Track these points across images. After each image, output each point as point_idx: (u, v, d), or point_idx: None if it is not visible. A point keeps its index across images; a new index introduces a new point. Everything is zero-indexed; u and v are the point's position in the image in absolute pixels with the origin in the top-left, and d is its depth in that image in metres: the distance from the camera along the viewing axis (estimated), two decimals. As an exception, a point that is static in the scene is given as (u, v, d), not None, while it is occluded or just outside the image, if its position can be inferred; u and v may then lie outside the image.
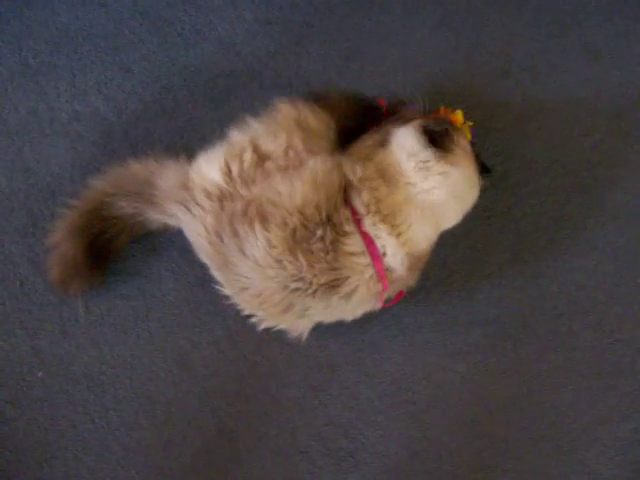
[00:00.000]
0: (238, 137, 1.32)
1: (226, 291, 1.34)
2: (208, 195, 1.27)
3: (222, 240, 1.24)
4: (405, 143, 1.29)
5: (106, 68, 1.69)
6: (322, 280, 1.20)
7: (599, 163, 1.63)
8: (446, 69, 1.70)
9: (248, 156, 1.26)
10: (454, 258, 1.53)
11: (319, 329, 1.39)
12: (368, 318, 1.38)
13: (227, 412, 1.46)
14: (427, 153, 1.27)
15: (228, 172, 1.27)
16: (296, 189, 1.20)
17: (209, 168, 1.29)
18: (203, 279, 1.46)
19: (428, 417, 1.47)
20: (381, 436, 1.46)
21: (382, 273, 1.24)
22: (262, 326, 1.36)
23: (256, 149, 1.28)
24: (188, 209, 1.30)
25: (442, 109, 1.50)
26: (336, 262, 1.20)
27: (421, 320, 1.51)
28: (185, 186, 1.32)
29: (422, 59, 1.71)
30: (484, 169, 1.41)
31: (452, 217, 1.35)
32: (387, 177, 1.27)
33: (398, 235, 1.24)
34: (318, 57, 1.70)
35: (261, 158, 1.27)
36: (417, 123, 1.33)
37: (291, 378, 1.49)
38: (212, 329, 1.50)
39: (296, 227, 1.19)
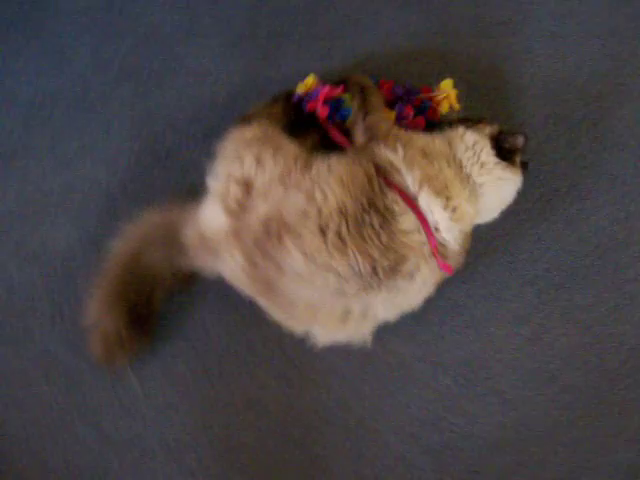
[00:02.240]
0: (215, 179, 1.32)
1: (277, 317, 1.31)
2: (226, 236, 1.26)
3: (256, 266, 1.23)
4: (471, 145, 1.32)
5: (84, 130, 1.62)
6: (384, 262, 1.19)
7: (597, 96, 1.64)
8: (423, 44, 1.68)
9: (233, 188, 1.27)
10: (487, 228, 1.53)
11: (378, 335, 1.35)
12: (422, 310, 1.35)
13: (312, 439, 1.44)
14: (492, 159, 1.31)
15: (229, 211, 1.26)
16: (326, 194, 1.21)
17: (211, 219, 1.29)
18: (249, 315, 1.42)
19: (508, 387, 1.47)
20: (470, 419, 1.45)
21: (436, 249, 1.24)
22: (322, 343, 1.32)
23: (235, 180, 1.28)
24: (214, 253, 1.29)
25: (424, 88, 1.52)
26: (392, 242, 1.20)
27: (474, 296, 1.51)
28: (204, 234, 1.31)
29: (396, 40, 1.68)
30: (522, 165, 1.40)
31: (489, 214, 1.38)
32: (436, 158, 1.27)
33: (453, 209, 1.24)
34: (294, 64, 1.66)
35: (246, 184, 1.27)
36: (488, 132, 1.35)
37: (365, 387, 1.47)
38: (272, 363, 1.47)
39: (339, 226, 1.18)
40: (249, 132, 1.38)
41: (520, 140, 1.33)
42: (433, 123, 1.52)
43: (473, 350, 1.48)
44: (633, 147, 1.60)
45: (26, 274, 1.51)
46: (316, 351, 1.34)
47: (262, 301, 1.31)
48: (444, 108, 1.52)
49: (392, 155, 1.26)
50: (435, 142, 1.31)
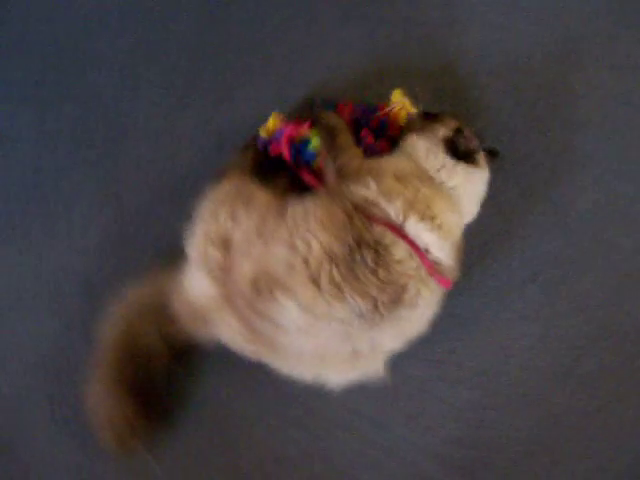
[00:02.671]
0: (193, 242, 1.28)
1: (284, 370, 1.27)
2: (215, 304, 1.22)
3: (254, 328, 1.19)
4: (424, 154, 1.30)
5: (44, 214, 1.55)
6: (385, 298, 1.15)
7: (555, 79, 1.62)
8: (375, 57, 1.64)
9: (212, 252, 1.23)
10: (475, 236, 1.50)
11: (391, 364, 1.31)
12: (429, 331, 1.31)
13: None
14: (449, 161, 1.29)
15: (213, 278, 1.22)
16: (309, 242, 1.16)
17: (197, 289, 1.25)
18: (258, 371, 1.35)
19: (529, 389, 1.45)
20: (497, 432, 1.43)
21: (431, 269, 1.21)
22: (335, 386, 1.28)
23: (212, 241, 1.24)
24: (207, 321, 1.26)
25: (380, 105, 1.49)
26: (390, 275, 1.16)
27: (476, 305, 1.49)
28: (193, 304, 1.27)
29: (348, 58, 1.64)
30: (491, 153, 1.40)
31: (471, 212, 1.35)
32: (408, 179, 1.24)
33: (439, 227, 1.21)
34: (252, 103, 1.62)
35: (223, 243, 1.23)
36: (442, 134, 1.33)
37: (387, 419, 1.44)
38: (291, 415, 1.44)
39: (331, 273, 1.14)
40: (221, 189, 1.34)
41: (474, 143, 1.32)
42: (393, 138, 1.48)
43: (487, 359, 1.46)
44: (599, 123, 1.60)
45: (19, 378, 1.44)
46: (332, 394, 1.30)
47: (269, 361, 1.27)
48: (402, 119, 1.49)
49: (366, 191, 1.22)
50: (401, 161, 1.29)
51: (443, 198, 1.26)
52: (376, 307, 1.15)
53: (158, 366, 1.34)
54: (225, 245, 1.23)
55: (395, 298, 1.16)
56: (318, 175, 1.41)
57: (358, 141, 1.44)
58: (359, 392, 1.36)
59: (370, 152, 1.40)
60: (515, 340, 1.47)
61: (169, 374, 1.37)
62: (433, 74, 1.62)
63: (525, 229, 1.53)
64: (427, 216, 1.20)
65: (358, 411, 1.44)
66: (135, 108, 1.61)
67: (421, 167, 1.28)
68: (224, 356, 1.35)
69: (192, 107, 1.61)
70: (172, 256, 1.33)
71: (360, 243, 1.16)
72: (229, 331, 1.23)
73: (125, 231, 1.53)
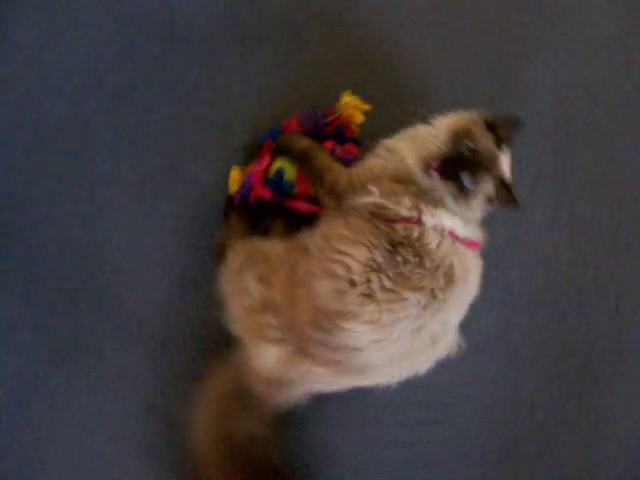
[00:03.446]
0: (235, 322, 1.30)
1: (381, 382, 1.30)
2: (291, 363, 1.23)
3: (338, 363, 1.21)
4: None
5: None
6: (439, 283, 1.19)
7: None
8: (296, 80, 1.68)
9: (260, 319, 1.23)
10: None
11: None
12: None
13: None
14: None
15: (275, 342, 1.22)
16: (346, 262, 1.18)
17: (267, 361, 1.24)
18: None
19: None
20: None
21: (465, 241, 1.26)
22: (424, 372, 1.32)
23: (254, 310, 1.24)
24: (290, 383, 1.27)
25: (328, 111, 1.53)
26: (434, 262, 1.20)
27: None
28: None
29: (274, 88, 1.68)
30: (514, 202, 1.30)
31: None
32: (403, 176, 1.27)
33: (457, 208, 1.26)
34: (205, 169, 1.62)
35: (265, 306, 1.23)
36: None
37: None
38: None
39: (381, 282, 1.17)
40: (232, 262, 1.34)
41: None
42: (356, 140, 1.54)
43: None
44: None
45: None
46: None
47: (360, 383, 1.29)
48: (358, 119, 1.53)
49: (370, 198, 1.25)
50: (388, 163, 1.30)
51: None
52: (434, 295, 1.19)
53: (265, 446, 1.34)
54: (268, 307, 1.23)
55: (448, 279, 1.21)
56: (308, 200, 1.43)
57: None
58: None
59: (344, 162, 1.42)
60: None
61: (277, 446, 1.37)
62: (375, 74, 1.69)
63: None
64: (440, 205, 1.24)
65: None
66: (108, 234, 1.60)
67: (408, 168, 1.29)
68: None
69: (158, 199, 1.61)
70: (221, 345, 1.37)
71: (394, 244, 1.20)
72: (316, 379, 1.24)
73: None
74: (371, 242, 1.20)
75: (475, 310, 1.31)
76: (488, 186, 1.27)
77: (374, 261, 1.18)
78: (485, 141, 1.28)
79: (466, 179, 1.24)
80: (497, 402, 1.56)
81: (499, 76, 1.71)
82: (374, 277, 1.17)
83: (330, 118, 1.52)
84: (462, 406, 1.55)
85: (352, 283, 1.17)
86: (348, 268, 1.18)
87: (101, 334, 1.54)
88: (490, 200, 1.29)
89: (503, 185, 1.28)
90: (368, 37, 1.70)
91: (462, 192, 1.25)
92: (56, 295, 1.56)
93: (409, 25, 1.72)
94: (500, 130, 1.30)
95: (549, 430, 1.55)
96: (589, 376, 1.58)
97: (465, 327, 1.31)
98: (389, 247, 1.20)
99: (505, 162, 1.32)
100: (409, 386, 1.30)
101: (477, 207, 1.29)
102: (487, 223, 1.33)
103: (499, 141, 1.30)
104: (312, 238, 1.27)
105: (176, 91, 1.67)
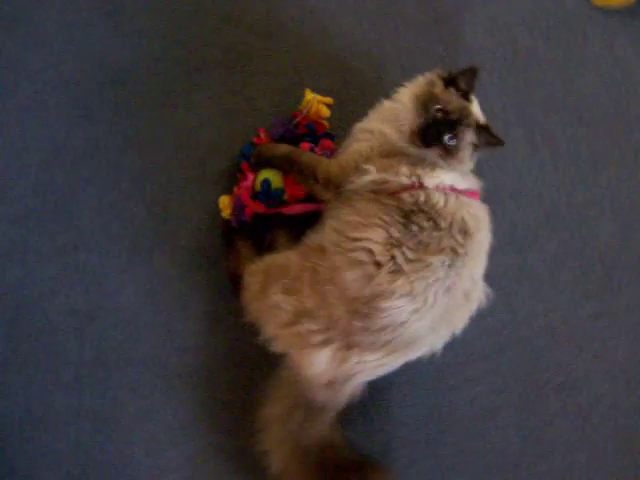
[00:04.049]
0: (277, 342, 1.30)
1: (426, 351, 1.31)
2: (342, 359, 1.24)
3: (387, 343, 1.22)
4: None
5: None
6: (457, 239, 1.22)
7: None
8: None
9: (299, 328, 1.24)
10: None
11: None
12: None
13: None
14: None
15: (323, 344, 1.23)
16: (365, 246, 1.20)
17: (320, 363, 1.25)
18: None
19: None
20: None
21: (468, 192, 1.31)
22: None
23: (290, 321, 1.25)
24: (347, 377, 1.27)
25: (295, 114, 1.54)
26: (446, 220, 1.23)
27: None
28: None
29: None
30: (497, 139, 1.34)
31: None
32: (392, 151, 1.30)
33: (449, 163, 1.29)
34: (202, 204, 1.62)
35: (300, 314, 1.24)
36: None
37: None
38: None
39: (405, 255, 1.19)
40: (252, 287, 1.34)
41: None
42: (329, 134, 1.57)
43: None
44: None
45: None
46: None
47: (410, 357, 1.30)
48: (325, 113, 1.56)
49: (369, 177, 1.28)
50: (373, 142, 1.33)
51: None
52: (456, 252, 1.22)
53: (341, 447, 1.36)
54: (303, 315, 1.24)
55: (464, 233, 1.24)
56: (301, 201, 1.45)
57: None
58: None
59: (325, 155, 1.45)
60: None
61: (351, 443, 1.40)
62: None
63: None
64: (435, 166, 1.28)
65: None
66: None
67: (392, 140, 1.32)
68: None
69: (155, 247, 1.60)
70: (267, 367, 1.38)
71: (405, 214, 1.22)
72: (369, 366, 1.25)
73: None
74: (384, 220, 1.22)
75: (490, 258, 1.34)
76: (470, 136, 1.31)
77: (392, 237, 1.21)
78: (450, 98, 1.32)
79: (448, 140, 1.28)
80: (535, 335, 1.62)
81: (440, 35, 1.76)
82: (397, 252, 1.20)
83: (298, 119, 1.55)
84: (507, 351, 1.60)
85: (378, 264, 1.19)
86: (370, 252, 1.20)
87: (149, 395, 1.53)
88: (476, 147, 1.33)
89: (483, 129, 1.32)
90: (307, 37, 1.73)
91: (449, 152, 1.29)
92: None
93: (340, 14, 1.75)
94: (460, 82, 1.34)
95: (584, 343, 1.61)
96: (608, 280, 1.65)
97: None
98: (402, 220, 1.22)
99: (476, 108, 1.37)
100: (448, 351, 1.32)
101: (467, 158, 1.33)
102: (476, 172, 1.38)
103: (463, 92, 1.34)
104: (325, 236, 1.28)
105: (138, 141, 1.66)
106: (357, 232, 1.22)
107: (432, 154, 1.29)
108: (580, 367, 1.60)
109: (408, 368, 1.33)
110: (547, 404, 1.58)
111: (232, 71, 1.70)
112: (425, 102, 1.31)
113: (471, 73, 1.36)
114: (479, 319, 1.32)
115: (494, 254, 1.33)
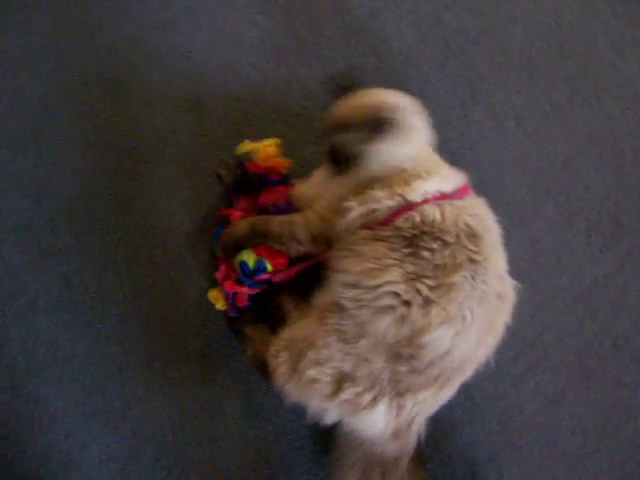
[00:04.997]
0: (327, 415, 1.25)
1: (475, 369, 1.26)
2: (402, 408, 1.19)
3: (438, 377, 1.18)
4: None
5: None
6: (469, 248, 1.18)
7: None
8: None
9: (345, 395, 1.19)
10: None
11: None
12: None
13: None
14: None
15: (374, 400, 1.18)
16: (385, 290, 1.16)
17: (377, 421, 1.20)
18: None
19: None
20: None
21: (459, 193, 1.26)
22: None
23: (332, 392, 1.20)
24: (409, 425, 1.22)
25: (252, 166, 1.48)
26: (450, 233, 1.18)
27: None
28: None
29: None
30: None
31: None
32: (362, 182, 1.28)
33: (427, 173, 1.25)
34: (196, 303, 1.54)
35: (340, 379, 1.19)
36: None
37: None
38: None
39: (424, 284, 1.15)
40: (280, 369, 1.26)
41: None
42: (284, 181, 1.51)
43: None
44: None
45: None
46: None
47: (464, 379, 1.25)
48: (272, 154, 1.48)
49: (354, 212, 1.24)
50: (341, 185, 1.30)
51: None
52: (473, 260, 1.17)
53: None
54: (344, 380, 1.19)
55: (474, 237, 1.19)
56: (288, 264, 1.40)
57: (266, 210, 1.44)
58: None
59: (288, 207, 1.42)
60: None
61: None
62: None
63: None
64: (410, 179, 1.23)
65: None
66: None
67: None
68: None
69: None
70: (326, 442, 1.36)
71: (411, 243, 1.18)
72: (426, 404, 1.21)
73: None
74: (394, 258, 1.17)
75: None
76: (362, 134, 1.27)
77: (409, 272, 1.16)
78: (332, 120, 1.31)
79: (358, 149, 1.26)
80: (569, 305, 1.58)
81: (366, 46, 1.72)
82: (419, 285, 1.15)
83: (250, 172, 1.48)
84: (546, 334, 1.56)
85: (407, 303, 1.14)
86: (395, 294, 1.15)
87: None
88: (377, 131, 1.26)
89: (369, 123, 1.26)
90: (234, 93, 1.68)
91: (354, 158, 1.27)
92: None
93: (259, 62, 1.70)
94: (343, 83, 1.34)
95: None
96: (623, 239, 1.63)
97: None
98: (409, 249, 1.17)
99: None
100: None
101: (394, 145, 1.27)
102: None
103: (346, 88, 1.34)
104: (336, 293, 1.22)
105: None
106: (375, 280, 1.17)
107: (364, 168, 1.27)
108: (624, 321, 1.57)
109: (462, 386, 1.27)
110: (608, 367, 1.53)
111: (172, 160, 1.63)
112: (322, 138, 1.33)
113: (350, 73, 1.45)
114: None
115: (506, 242, 1.28)
